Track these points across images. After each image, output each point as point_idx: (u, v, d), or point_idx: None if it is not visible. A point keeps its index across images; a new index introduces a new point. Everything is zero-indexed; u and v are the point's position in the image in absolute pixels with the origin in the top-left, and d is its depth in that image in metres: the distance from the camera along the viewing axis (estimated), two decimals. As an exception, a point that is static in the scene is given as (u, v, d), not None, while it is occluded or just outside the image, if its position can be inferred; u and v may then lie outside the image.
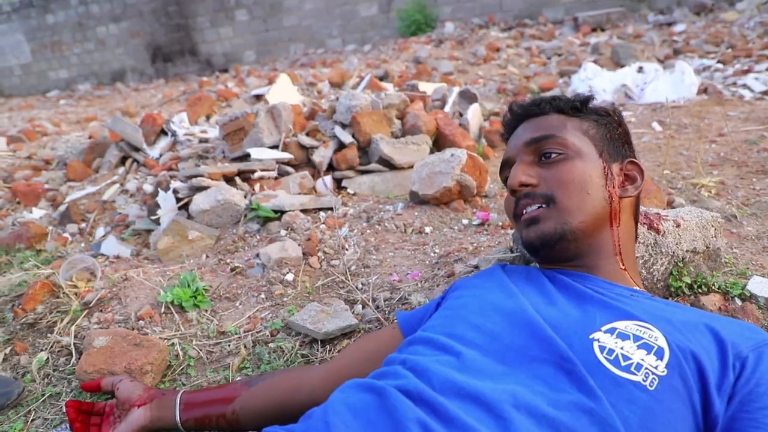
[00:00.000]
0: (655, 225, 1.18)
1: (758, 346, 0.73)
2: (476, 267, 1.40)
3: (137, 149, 2.76)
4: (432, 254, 1.66)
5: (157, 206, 2.08)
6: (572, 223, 0.89)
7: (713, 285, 1.26)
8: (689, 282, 1.23)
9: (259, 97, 3.72)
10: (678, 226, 1.20)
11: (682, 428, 0.66)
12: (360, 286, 1.55)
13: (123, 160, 2.83)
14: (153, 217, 2.10)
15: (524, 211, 0.95)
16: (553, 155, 0.94)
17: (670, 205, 1.84)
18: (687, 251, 1.22)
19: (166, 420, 1.07)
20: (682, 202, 1.84)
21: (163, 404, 1.09)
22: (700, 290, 1.25)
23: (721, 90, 3.55)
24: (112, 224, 2.23)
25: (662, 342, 0.70)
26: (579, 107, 1.01)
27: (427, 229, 1.84)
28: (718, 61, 4.47)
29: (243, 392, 1.06)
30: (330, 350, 1.33)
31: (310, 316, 1.37)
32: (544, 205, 0.92)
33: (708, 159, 2.31)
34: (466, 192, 1.92)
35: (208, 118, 3.30)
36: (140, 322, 1.49)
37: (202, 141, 2.74)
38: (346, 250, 1.77)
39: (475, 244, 1.66)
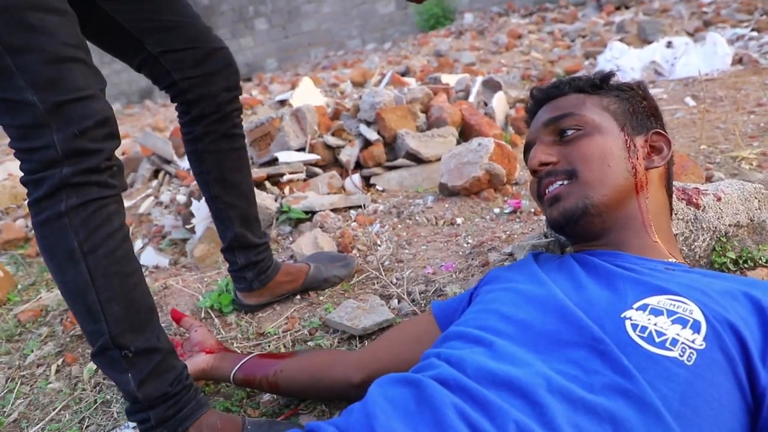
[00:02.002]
0: (694, 200, 1.14)
1: None
2: (510, 254, 1.38)
3: (168, 161, 2.81)
4: (465, 245, 1.65)
5: (191, 215, 2.11)
6: (594, 197, 0.89)
7: (760, 259, 1.21)
8: (734, 257, 1.19)
9: (283, 103, 3.75)
10: (719, 199, 1.16)
11: (728, 403, 0.63)
12: (394, 280, 1.54)
13: (156, 173, 2.89)
14: (188, 226, 2.13)
15: (547, 191, 0.95)
16: (571, 132, 0.94)
17: (709, 180, 1.78)
18: (730, 225, 1.18)
19: (222, 371, 1.18)
20: (722, 177, 1.78)
21: (226, 358, 1.20)
22: (746, 265, 1.20)
23: (758, 59, 3.43)
24: (150, 236, 2.28)
25: (698, 315, 0.68)
26: (599, 84, 1.00)
27: (459, 220, 1.82)
28: (753, 29, 4.31)
29: (287, 358, 1.16)
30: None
31: (347, 313, 1.38)
32: (566, 181, 0.92)
33: (747, 131, 2.23)
34: (496, 180, 1.90)
35: (235, 125, 3.32)
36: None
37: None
38: (379, 246, 1.77)
39: (508, 232, 1.64)
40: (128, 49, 1.21)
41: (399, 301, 1.44)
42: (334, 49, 10.33)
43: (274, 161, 2.34)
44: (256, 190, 2.08)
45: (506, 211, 1.82)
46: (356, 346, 1.33)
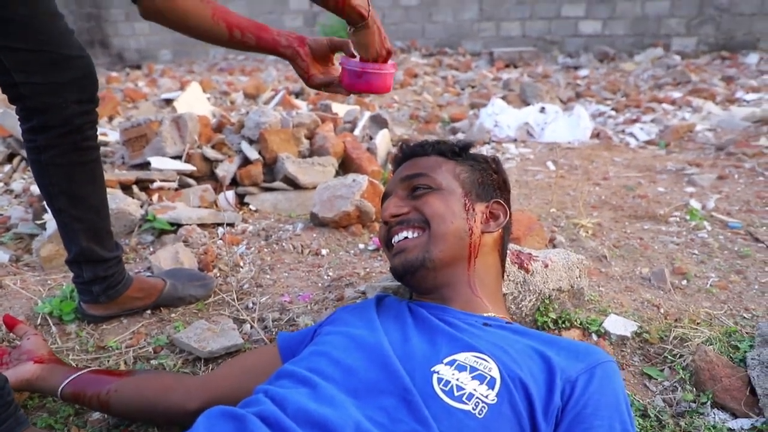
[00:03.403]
0: (525, 265, 1.28)
1: (590, 368, 0.82)
2: (363, 293, 1.46)
3: (28, 146, 2.61)
4: (326, 277, 1.70)
5: (44, 210, 1.97)
6: (433, 252, 1.00)
7: (575, 321, 1.38)
8: (554, 318, 1.35)
9: (169, 102, 3.62)
10: (546, 266, 1.32)
11: None
12: (250, 305, 1.55)
13: (10, 158, 2.66)
14: (39, 222, 1.99)
15: (393, 240, 1.06)
16: (421, 189, 1.06)
17: (552, 242, 1.99)
18: (553, 289, 1.34)
19: (50, 383, 1.12)
20: (563, 241, 1.99)
21: (56, 371, 1.14)
22: (563, 325, 1.37)
23: (611, 136, 3.87)
24: (-8, 226, 2.10)
25: (495, 372, 0.78)
26: (458, 152, 1.11)
27: (324, 252, 1.88)
28: (612, 108, 4.86)
29: (122, 379, 1.12)
30: (213, 369, 1.33)
31: (196, 334, 1.37)
32: (417, 232, 1.03)
33: (591, 201, 2.51)
34: (365, 217, 1.98)
35: (110, 119, 3.17)
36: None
37: (100, 144, 2.64)
38: (241, 267, 1.77)
39: (367, 269, 1.71)
40: None
41: (251, 327, 1.46)
42: (234, 51, 10.12)
43: (146, 165, 2.26)
44: (120, 193, 2.00)
45: (370, 248, 1.90)
46: (201, 369, 1.32)
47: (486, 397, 0.75)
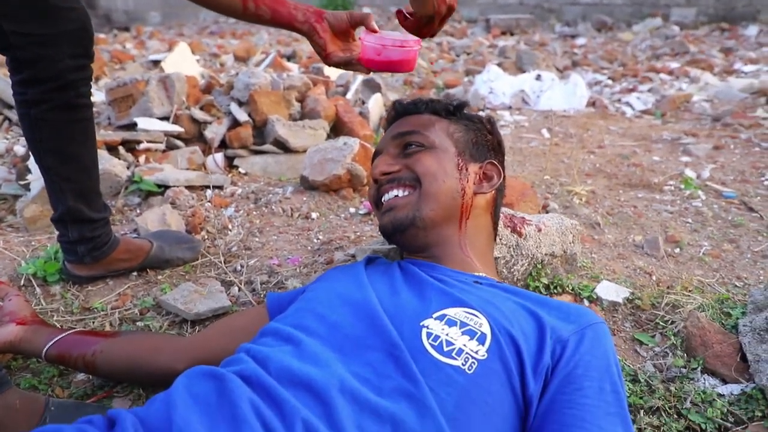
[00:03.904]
0: (518, 228, 1.26)
1: (581, 329, 0.80)
2: (353, 256, 1.43)
3: (11, 106, 2.53)
4: (315, 240, 1.68)
5: (28, 170, 1.93)
6: (423, 211, 0.97)
7: (567, 286, 1.37)
8: (546, 283, 1.33)
9: (157, 63, 3.53)
10: (539, 230, 1.30)
11: (500, 409, 0.72)
12: (239, 267, 1.53)
13: (-6, 117, 2.59)
14: (22, 182, 1.95)
15: (383, 199, 1.03)
16: (413, 146, 1.03)
17: (545, 209, 1.97)
18: (546, 254, 1.32)
19: (33, 345, 1.09)
20: (556, 207, 1.97)
21: (39, 332, 1.11)
22: (555, 290, 1.35)
23: (607, 105, 3.83)
24: (-26, 186, 2.05)
25: (486, 328, 0.76)
26: (452, 111, 1.08)
27: (314, 215, 1.85)
28: (609, 78, 4.80)
29: (108, 340, 1.09)
30: (200, 331, 1.31)
31: (183, 296, 1.34)
32: (407, 191, 1.00)
33: (585, 168, 2.49)
34: (356, 181, 1.95)
35: (96, 80, 3.08)
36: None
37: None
38: (230, 230, 1.74)
39: (358, 233, 1.69)
40: None
41: (239, 290, 1.44)
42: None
43: (133, 126, 2.21)
44: (106, 154, 1.96)
45: (361, 212, 1.87)
46: (187, 331, 1.30)
47: (476, 352, 0.73)
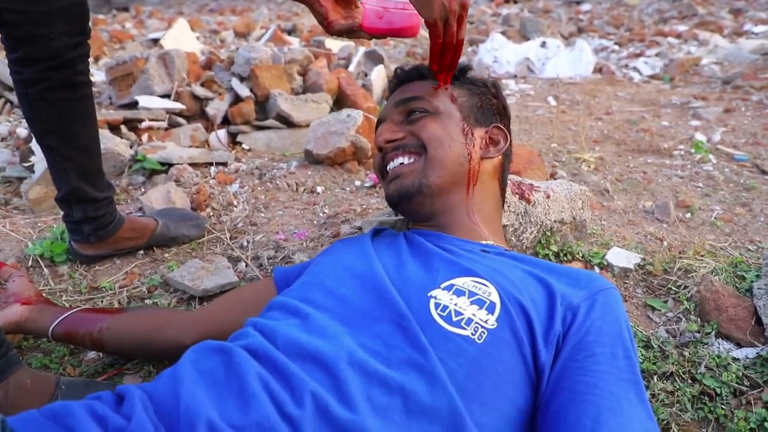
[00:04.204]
0: (526, 195, 1.24)
1: (591, 294, 0.78)
2: (360, 229, 1.42)
3: (11, 89, 2.51)
4: (321, 214, 1.66)
5: (31, 152, 1.91)
6: (430, 178, 0.95)
7: (577, 254, 1.35)
8: (556, 250, 1.31)
9: (156, 41, 3.49)
10: (548, 197, 1.27)
11: (511, 378, 0.71)
12: (245, 243, 1.52)
13: (-5, 100, 2.57)
14: (26, 164, 1.94)
15: (388, 167, 1.00)
16: (417, 113, 1.00)
17: (553, 176, 1.94)
18: (555, 221, 1.30)
19: (39, 324, 1.09)
20: (564, 175, 1.94)
21: (44, 311, 1.11)
22: (565, 258, 1.33)
23: (614, 71, 3.76)
24: (-22, 169, 2.04)
25: (495, 297, 0.74)
26: (456, 75, 1.04)
27: (319, 189, 1.83)
28: (615, 43, 4.71)
29: (116, 315, 1.09)
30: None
31: (190, 273, 1.34)
32: (413, 158, 0.97)
33: (593, 135, 2.45)
34: (361, 154, 1.93)
35: (96, 59, 3.05)
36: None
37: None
38: (235, 206, 1.72)
39: (364, 206, 1.67)
40: None
41: (246, 265, 1.43)
42: (224, -8, 9.76)
43: (134, 105, 2.19)
44: (109, 133, 1.94)
45: (366, 184, 1.85)
46: (195, 307, 1.30)
47: (485, 322, 0.71)
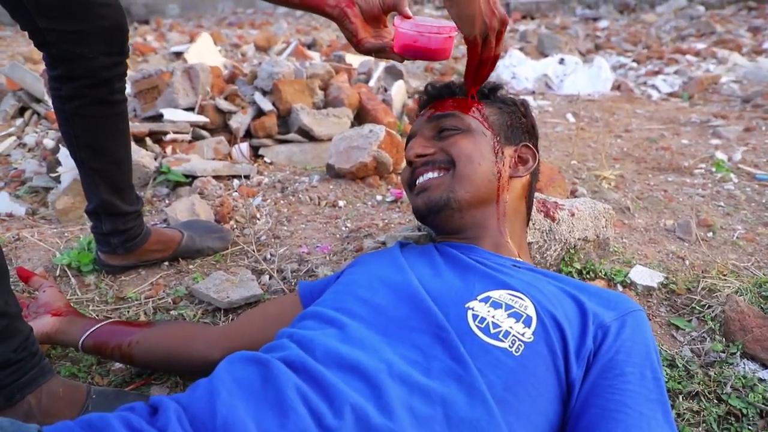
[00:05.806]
0: (551, 213, 1.25)
1: (621, 315, 0.79)
2: (383, 243, 1.43)
3: (38, 100, 2.57)
4: (343, 228, 1.68)
5: (58, 163, 1.96)
6: (458, 192, 0.96)
7: (600, 271, 1.35)
8: (579, 268, 1.32)
9: (179, 55, 3.56)
10: (572, 215, 1.28)
11: (545, 391, 0.71)
12: (268, 256, 1.54)
13: (21, 111, 2.63)
14: (53, 175, 1.98)
15: (418, 180, 1.02)
16: (449, 130, 1.02)
17: (573, 194, 1.95)
18: (579, 239, 1.30)
19: (70, 335, 1.10)
20: (584, 192, 1.95)
21: (74, 323, 1.12)
22: (588, 276, 1.34)
23: (633, 88, 3.76)
24: (6, 180, 2.08)
25: (531, 311, 0.76)
26: (487, 94, 1.06)
27: (341, 203, 1.85)
28: (634, 60, 4.71)
29: (145, 329, 1.10)
30: (233, 320, 1.32)
31: (215, 285, 1.36)
32: (441, 173, 0.99)
33: (612, 153, 2.45)
34: (383, 168, 1.94)
35: (121, 72, 3.09)
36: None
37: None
38: (258, 219, 1.75)
39: (386, 221, 1.69)
40: None
41: (270, 278, 1.44)
42: (243, 5, 9.91)
43: (158, 117, 2.23)
44: (134, 145, 1.97)
45: (388, 199, 1.87)
46: (220, 319, 1.31)
47: (522, 335, 0.72)
